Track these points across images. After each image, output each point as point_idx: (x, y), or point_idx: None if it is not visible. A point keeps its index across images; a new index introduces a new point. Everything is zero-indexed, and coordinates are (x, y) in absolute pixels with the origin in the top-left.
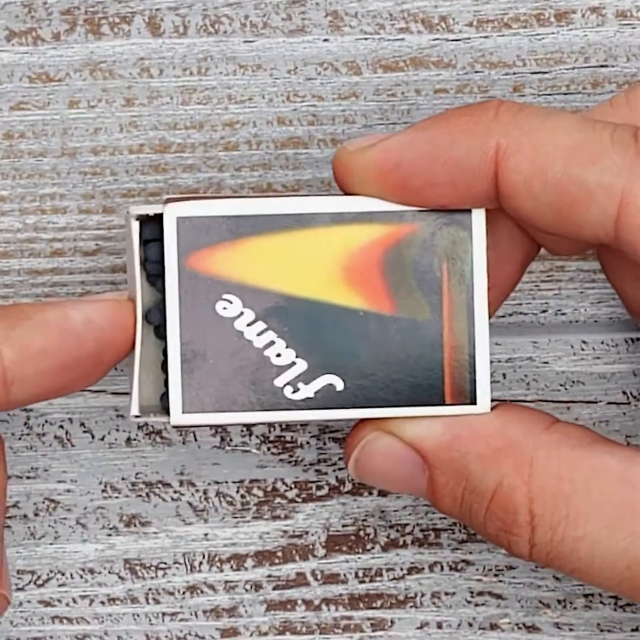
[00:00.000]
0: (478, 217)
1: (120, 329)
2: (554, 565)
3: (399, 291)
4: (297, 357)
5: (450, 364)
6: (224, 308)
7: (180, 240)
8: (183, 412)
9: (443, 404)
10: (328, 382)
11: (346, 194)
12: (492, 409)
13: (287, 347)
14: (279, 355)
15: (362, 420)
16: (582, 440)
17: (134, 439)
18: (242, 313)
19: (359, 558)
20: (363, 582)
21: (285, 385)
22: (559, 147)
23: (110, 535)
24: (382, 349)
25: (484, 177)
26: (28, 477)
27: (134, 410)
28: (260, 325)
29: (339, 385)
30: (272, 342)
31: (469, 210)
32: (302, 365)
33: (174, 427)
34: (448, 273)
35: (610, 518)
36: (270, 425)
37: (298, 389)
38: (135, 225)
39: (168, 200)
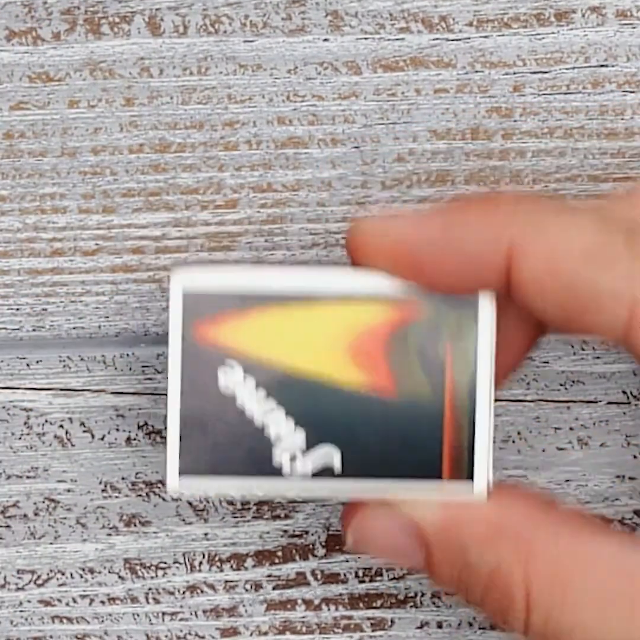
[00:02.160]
0: (485, 300)
1: None
2: None
3: (402, 372)
4: (296, 429)
5: (449, 444)
6: (226, 376)
7: (186, 309)
8: (180, 479)
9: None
10: (326, 457)
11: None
12: (490, 490)
13: (287, 418)
14: (278, 425)
15: None
16: (581, 527)
17: (134, 439)
18: (243, 382)
19: (359, 558)
20: (363, 581)
21: (282, 456)
22: (573, 249)
23: (110, 535)
24: (382, 428)
25: (495, 271)
26: (28, 477)
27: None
28: (261, 394)
29: (337, 459)
30: (273, 411)
31: (476, 293)
32: (300, 437)
33: (171, 495)
34: (452, 354)
35: (604, 606)
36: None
37: (296, 461)
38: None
39: (174, 268)
